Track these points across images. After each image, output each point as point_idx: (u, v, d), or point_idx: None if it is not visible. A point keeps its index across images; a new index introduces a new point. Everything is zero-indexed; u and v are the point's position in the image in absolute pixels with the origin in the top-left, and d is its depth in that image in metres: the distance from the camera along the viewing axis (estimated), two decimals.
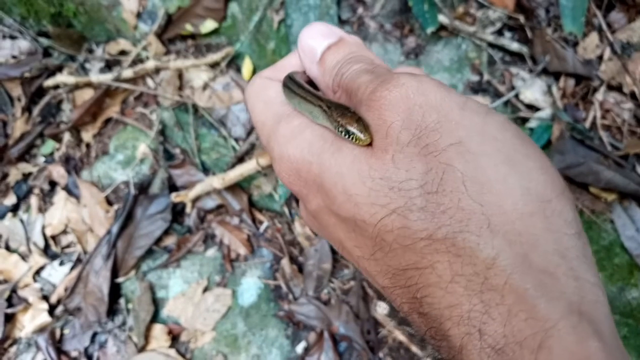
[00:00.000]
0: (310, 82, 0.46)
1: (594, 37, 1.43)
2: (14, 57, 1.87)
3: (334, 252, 1.44)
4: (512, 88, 1.39)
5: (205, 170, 1.56)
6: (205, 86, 1.59)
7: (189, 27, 1.60)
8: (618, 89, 1.41)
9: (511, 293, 0.28)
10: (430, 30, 1.35)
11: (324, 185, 0.37)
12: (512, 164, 0.32)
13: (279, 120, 0.42)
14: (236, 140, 1.55)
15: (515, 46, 1.40)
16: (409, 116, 0.34)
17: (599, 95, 1.39)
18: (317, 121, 0.40)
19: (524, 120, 1.38)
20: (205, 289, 1.46)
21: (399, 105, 0.34)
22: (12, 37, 1.88)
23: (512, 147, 0.33)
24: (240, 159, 1.52)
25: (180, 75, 1.62)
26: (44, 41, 1.81)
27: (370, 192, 0.34)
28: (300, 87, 0.42)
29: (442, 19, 1.38)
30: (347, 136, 0.36)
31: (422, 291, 0.32)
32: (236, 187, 1.49)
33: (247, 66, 1.56)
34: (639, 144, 1.32)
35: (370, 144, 0.36)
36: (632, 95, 1.40)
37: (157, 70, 1.64)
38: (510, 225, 0.30)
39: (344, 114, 0.37)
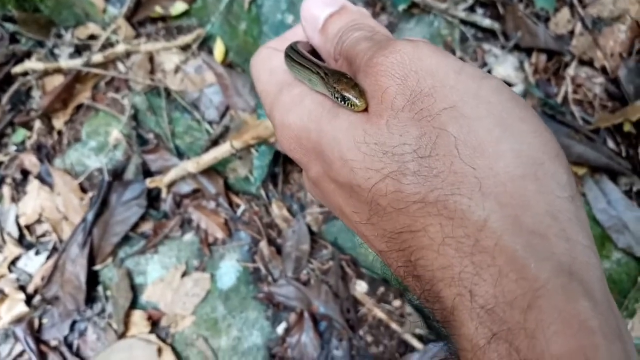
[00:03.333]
0: (314, 52, 0.46)
1: (565, 12, 1.43)
2: None
3: (312, 233, 1.44)
4: (485, 64, 1.39)
5: (180, 154, 1.54)
6: (176, 69, 1.56)
7: (158, 10, 1.57)
8: (589, 63, 1.42)
9: (501, 254, 0.29)
10: (402, 7, 1.34)
11: (322, 152, 0.37)
12: (505, 127, 0.32)
13: (280, 89, 0.42)
14: (210, 123, 1.53)
15: (487, 22, 1.40)
16: (404, 81, 0.34)
17: (571, 70, 1.40)
18: (315, 88, 0.41)
19: None
20: (184, 274, 1.45)
21: (394, 70, 0.34)
22: None
23: (505, 110, 0.33)
24: (215, 142, 1.50)
25: (151, 58, 1.59)
26: (10, 26, 1.76)
27: (365, 157, 0.34)
28: (300, 56, 0.42)
29: None
30: (343, 102, 0.37)
31: (415, 254, 0.32)
32: (211, 171, 1.48)
33: (218, 48, 1.53)
34: (609, 118, 1.34)
35: (366, 110, 0.36)
36: (603, 70, 1.41)
37: (128, 54, 1.61)
38: (502, 187, 0.30)
39: (340, 80, 0.37)
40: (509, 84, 1.38)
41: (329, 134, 0.37)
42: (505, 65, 1.38)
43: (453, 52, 1.40)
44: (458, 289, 0.30)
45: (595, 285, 0.28)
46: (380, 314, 1.38)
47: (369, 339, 1.37)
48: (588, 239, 0.30)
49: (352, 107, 0.36)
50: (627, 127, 1.35)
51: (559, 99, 1.37)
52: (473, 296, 0.29)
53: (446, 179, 0.31)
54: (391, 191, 0.33)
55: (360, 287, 1.41)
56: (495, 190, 0.30)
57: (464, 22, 1.42)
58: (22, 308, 1.48)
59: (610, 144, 1.34)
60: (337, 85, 0.37)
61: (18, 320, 1.48)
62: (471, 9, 1.42)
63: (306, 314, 1.38)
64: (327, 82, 0.39)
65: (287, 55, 0.44)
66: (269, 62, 0.46)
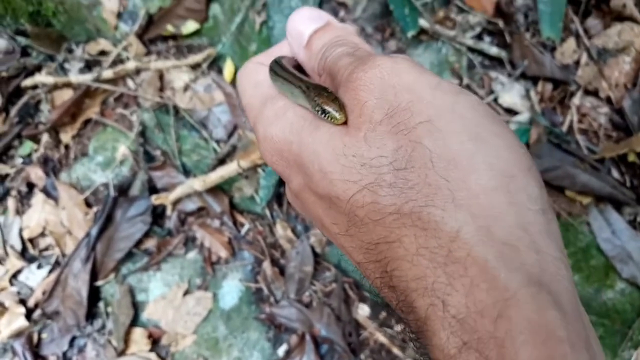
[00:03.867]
0: (299, 67, 0.47)
1: (571, 42, 1.45)
2: None
3: (315, 254, 1.44)
4: (491, 92, 1.41)
5: (186, 172, 1.55)
6: (186, 87, 1.58)
7: (170, 28, 1.59)
8: (594, 93, 1.44)
9: (473, 265, 0.29)
10: (411, 34, 1.37)
11: (303, 164, 0.38)
12: (479, 142, 0.33)
13: (264, 103, 0.43)
14: (217, 142, 1.54)
15: (494, 50, 1.42)
16: (383, 96, 0.35)
17: (576, 100, 1.42)
18: (297, 102, 0.41)
19: None
20: (186, 292, 1.45)
21: (373, 85, 0.35)
22: None
23: (480, 125, 0.33)
24: (222, 161, 1.51)
25: (161, 76, 1.61)
26: (22, 40, 1.78)
27: (343, 169, 0.35)
28: (283, 70, 0.43)
29: (423, 23, 1.40)
30: (323, 115, 0.37)
31: (391, 264, 0.33)
32: (217, 190, 1.49)
33: (228, 68, 1.55)
34: (614, 148, 1.35)
35: (345, 123, 0.36)
36: (608, 100, 1.43)
37: (138, 71, 1.63)
38: (474, 199, 0.31)
39: (321, 94, 0.38)
40: (515, 112, 1.39)
41: (310, 147, 0.37)
42: (512, 93, 1.39)
43: (460, 78, 1.42)
44: (431, 299, 0.30)
45: (564, 296, 0.29)
46: (382, 338, 1.37)
47: None
48: (559, 251, 0.31)
49: (332, 120, 0.37)
50: (632, 158, 1.36)
51: (565, 128, 1.38)
52: (445, 306, 0.29)
53: (421, 191, 0.32)
54: (368, 202, 0.34)
55: (362, 311, 1.41)
56: (468, 202, 0.31)
57: (471, 49, 1.44)
58: (22, 322, 1.47)
59: (615, 173, 1.35)
60: (318, 98, 0.38)
61: (17, 335, 1.47)
62: (479, 37, 1.44)
63: (308, 337, 1.37)
64: (309, 96, 0.39)
65: (272, 69, 0.45)
66: (254, 76, 0.47)
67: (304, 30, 0.44)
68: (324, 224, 0.40)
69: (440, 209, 0.31)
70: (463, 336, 0.28)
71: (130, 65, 1.60)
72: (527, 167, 0.33)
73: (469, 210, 0.31)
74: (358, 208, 0.34)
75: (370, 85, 0.35)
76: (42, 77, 1.71)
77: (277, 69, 0.44)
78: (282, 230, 1.47)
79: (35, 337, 1.47)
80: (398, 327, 1.38)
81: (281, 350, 1.39)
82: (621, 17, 1.47)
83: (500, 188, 0.31)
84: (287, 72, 0.43)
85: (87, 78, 1.65)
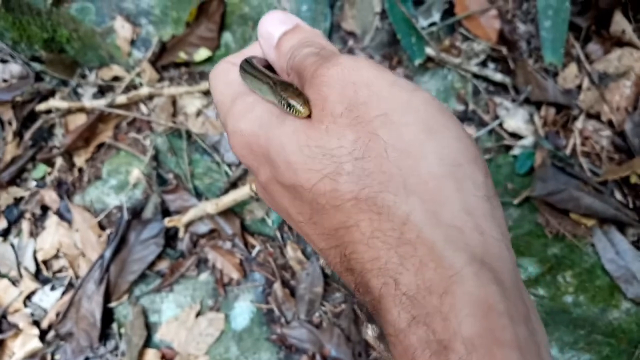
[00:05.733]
0: (269, 66, 0.49)
1: (573, 67, 1.50)
2: (4, 80, 1.88)
3: (325, 275, 1.47)
4: (496, 117, 1.45)
5: (198, 195, 1.58)
6: (198, 113, 1.62)
7: (182, 55, 1.64)
8: (596, 117, 1.48)
9: (422, 245, 0.32)
10: (417, 62, 1.41)
11: (270, 156, 0.40)
12: (430, 133, 0.35)
13: (234, 99, 0.45)
14: (229, 165, 1.58)
15: (498, 77, 1.47)
16: (343, 91, 0.37)
17: (579, 124, 1.45)
18: (265, 97, 0.44)
19: (508, 148, 1.44)
20: (198, 313, 1.47)
21: (335, 81, 0.38)
22: (3, 61, 1.89)
23: (432, 118, 0.36)
24: (233, 184, 1.55)
25: (173, 101, 1.65)
26: (36, 66, 1.83)
27: (306, 159, 0.37)
28: (253, 68, 0.46)
29: (429, 51, 1.44)
30: (289, 109, 0.40)
31: (349, 248, 0.36)
32: (229, 212, 1.52)
33: None
34: (616, 171, 1.38)
35: (309, 117, 0.39)
36: (610, 123, 1.47)
37: (151, 97, 1.67)
38: (424, 185, 0.33)
39: (286, 89, 0.41)
40: (520, 137, 1.43)
41: (276, 139, 0.40)
42: (516, 118, 1.44)
43: (466, 104, 1.46)
44: (384, 279, 0.33)
45: (505, 274, 0.31)
46: (391, 359, 1.39)
47: (382, 351, 1.38)
48: (501, 234, 0.34)
49: (297, 114, 0.39)
50: (634, 179, 1.39)
51: (568, 151, 1.42)
52: (397, 284, 0.32)
53: (376, 178, 0.34)
54: (329, 190, 0.36)
55: (372, 332, 1.43)
56: (418, 188, 0.33)
57: (476, 76, 1.48)
58: (35, 343, 1.50)
59: (618, 195, 1.38)
60: (284, 93, 0.40)
61: (31, 356, 1.49)
62: (483, 64, 1.49)
63: (318, 357, 1.39)
64: (275, 91, 0.42)
65: (242, 68, 0.47)
66: (225, 75, 0.49)
67: (274, 32, 0.47)
68: (290, 214, 0.42)
69: (393, 194, 0.34)
70: (412, 311, 0.31)
71: (144, 91, 1.65)
72: (474, 157, 0.36)
73: (419, 195, 0.33)
74: (320, 195, 0.37)
75: (332, 82, 0.38)
76: (56, 102, 1.75)
77: (247, 67, 0.46)
78: (292, 252, 1.49)
79: (48, 359, 1.49)
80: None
81: None
82: (621, 42, 1.51)
83: (448, 176, 0.34)
84: (256, 70, 0.45)
85: (100, 103, 1.69)
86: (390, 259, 0.33)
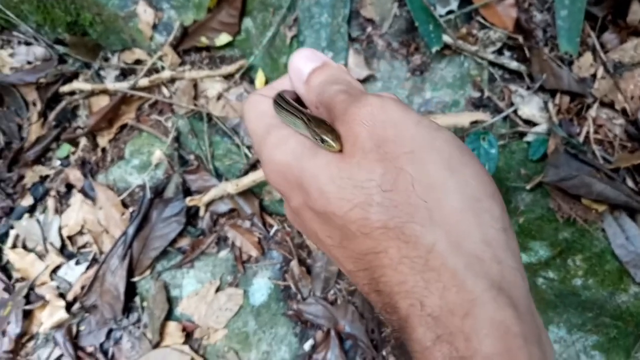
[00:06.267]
0: (299, 99, 0.53)
1: (588, 56, 1.52)
2: (29, 62, 1.93)
3: None
4: (511, 104, 1.48)
5: (219, 175, 1.63)
6: (219, 96, 1.66)
7: (204, 40, 1.68)
8: (610, 105, 1.50)
9: (446, 272, 0.35)
10: (435, 49, 1.44)
11: (303, 185, 0.43)
12: (452, 170, 0.39)
13: (268, 130, 0.48)
14: (248, 148, 1.63)
15: (514, 65, 1.49)
16: (373, 129, 0.41)
17: (592, 112, 1.48)
18: (299, 131, 0.47)
19: (522, 135, 1.47)
20: (218, 289, 1.53)
21: (365, 120, 0.41)
22: (27, 44, 1.94)
23: (453, 157, 0.40)
24: (253, 166, 1.59)
25: (195, 85, 1.70)
26: (60, 48, 1.87)
27: (338, 189, 0.40)
28: (287, 103, 0.49)
29: (446, 38, 1.47)
30: (322, 143, 0.43)
31: (377, 271, 0.39)
32: (248, 192, 1.57)
33: (259, 78, 1.63)
34: (629, 158, 1.41)
35: (341, 151, 0.42)
36: (624, 112, 1.49)
37: (173, 80, 1.71)
38: (447, 218, 0.37)
39: (320, 125, 0.44)
40: (534, 124, 1.46)
41: (310, 170, 0.43)
42: (531, 106, 1.46)
43: (482, 91, 1.49)
44: (411, 300, 0.36)
45: (520, 299, 0.35)
46: None
47: (392, 359, 1.43)
48: (516, 263, 0.38)
49: (330, 148, 0.42)
50: None
51: (581, 138, 1.45)
52: (423, 306, 0.35)
53: (404, 210, 0.38)
54: (359, 218, 0.39)
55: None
56: (442, 220, 0.37)
57: (492, 63, 1.51)
58: (62, 315, 1.56)
59: (629, 182, 1.41)
60: (318, 129, 0.44)
61: (58, 326, 1.56)
62: (499, 52, 1.51)
63: (332, 333, 1.45)
64: (309, 127, 0.45)
65: (276, 102, 0.51)
66: (258, 106, 0.52)
67: (304, 69, 0.51)
68: (319, 237, 0.45)
69: (420, 225, 0.37)
70: (437, 330, 0.34)
71: (166, 74, 1.69)
72: (491, 193, 0.40)
73: (443, 227, 0.37)
74: (351, 223, 0.40)
75: (363, 120, 0.41)
76: (79, 84, 1.80)
77: (281, 102, 0.50)
78: None
79: (74, 329, 1.56)
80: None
81: (307, 345, 1.46)
82: (637, 32, 1.53)
83: (469, 210, 0.38)
84: (290, 105, 0.49)
85: (123, 85, 1.74)
86: (417, 283, 0.36)
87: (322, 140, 0.43)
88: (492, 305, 0.34)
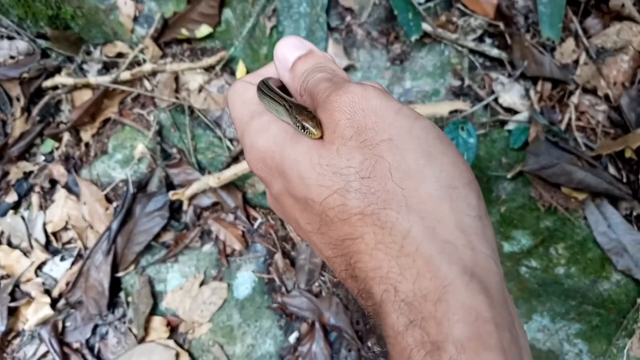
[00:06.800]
0: (283, 87, 0.53)
1: (570, 42, 1.50)
2: (12, 57, 1.91)
3: None
4: (492, 92, 1.46)
5: (201, 169, 1.62)
6: (200, 88, 1.65)
7: (184, 32, 1.66)
8: (593, 92, 1.49)
9: (420, 258, 0.35)
10: (414, 37, 1.43)
11: (283, 171, 0.44)
12: (429, 158, 0.39)
13: (252, 117, 0.49)
14: (230, 140, 1.62)
15: (495, 52, 1.48)
16: (353, 117, 0.41)
17: (575, 98, 1.47)
18: (281, 118, 0.47)
19: (503, 123, 1.46)
20: (202, 283, 1.53)
21: (346, 108, 0.42)
22: (10, 38, 1.92)
23: (431, 145, 0.40)
24: (235, 159, 1.58)
25: (176, 77, 1.68)
26: (42, 42, 1.86)
27: (318, 176, 0.41)
28: (270, 90, 0.50)
29: (426, 27, 1.46)
30: (303, 130, 0.44)
31: (354, 257, 0.39)
32: (231, 186, 1.56)
33: (240, 70, 1.62)
34: (611, 145, 1.40)
35: (321, 138, 0.43)
36: (606, 98, 1.48)
37: (154, 73, 1.70)
38: (423, 205, 0.37)
39: (301, 112, 0.44)
40: (515, 112, 1.45)
41: (290, 156, 0.43)
42: (512, 93, 1.45)
43: (462, 80, 1.48)
44: (385, 286, 0.36)
45: (492, 286, 0.35)
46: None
47: (377, 349, 1.43)
48: (491, 250, 0.38)
49: (310, 135, 0.43)
50: (629, 154, 1.41)
51: (563, 126, 1.44)
52: (397, 292, 0.36)
53: (380, 196, 0.38)
54: (338, 204, 0.40)
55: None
56: (418, 206, 0.37)
57: (473, 51, 1.49)
58: (47, 311, 1.56)
59: (612, 169, 1.41)
60: (299, 116, 0.44)
61: (43, 323, 1.55)
62: (480, 39, 1.50)
63: (317, 325, 1.45)
64: (291, 113, 0.46)
65: (259, 89, 0.51)
66: (243, 94, 0.53)
67: (289, 56, 0.51)
68: (299, 223, 0.46)
69: (396, 211, 0.37)
70: (410, 316, 0.35)
71: (147, 67, 1.68)
72: (468, 181, 0.40)
73: (419, 213, 0.37)
74: (329, 209, 0.41)
75: (343, 108, 0.42)
76: (62, 79, 1.79)
77: (265, 88, 0.51)
78: None
79: (59, 325, 1.56)
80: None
81: (292, 338, 1.46)
82: (620, 16, 1.51)
83: (444, 197, 0.38)
84: (273, 92, 0.49)
85: (105, 79, 1.72)
86: (392, 269, 0.36)
87: (303, 128, 0.44)
88: (464, 291, 0.34)
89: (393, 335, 0.35)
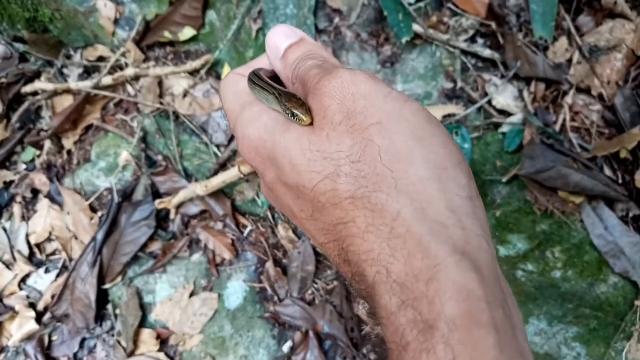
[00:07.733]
0: (276, 77, 0.53)
1: (563, 41, 1.48)
2: None
3: (317, 254, 1.48)
4: (485, 94, 1.43)
5: (188, 176, 1.58)
6: (185, 93, 1.60)
7: (167, 34, 1.61)
8: (587, 91, 1.46)
9: (411, 238, 0.36)
10: (405, 39, 1.39)
11: (275, 159, 0.44)
12: (419, 140, 0.39)
13: (243, 107, 0.50)
14: (217, 146, 1.57)
15: (487, 52, 1.45)
16: (342, 102, 0.41)
17: (569, 98, 1.44)
18: (271, 106, 0.48)
19: (497, 126, 1.43)
20: (192, 293, 1.49)
21: (335, 93, 0.42)
22: None
23: (420, 127, 0.40)
24: (222, 165, 1.54)
25: (160, 82, 1.63)
26: (20, 46, 1.79)
27: (309, 162, 0.41)
28: (260, 79, 0.50)
29: (417, 27, 1.42)
30: (293, 117, 0.44)
31: (346, 241, 0.40)
32: (219, 193, 1.52)
33: (226, 73, 1.57)
34: (606, 146, 1.38)
35: (311, 124, 0.43)
36: (600, 97, 1.46)
37: (137, 77, 1.65)
38: (412, 186, 0.38)
39: (291, 99, 0.45)
40: (509, 114, 1.42)
41: (281, 144, 0.44)
42: (505, 95, 1.42)
43: (454, 81, 1.45)
44: (377, 268, 0.37)
45: (484, 264, 0.35)
46: (380, 333, 1.41)
47: (372, 357, 1.41)
48: (481, 230, 0.38)
49: (300, 122, 0.43)
50: (624, 154, 1.39)
51: (557, 127, 1.41)
52: (389, 273, 0.36)
53: (370, 179, 0.39)
54: (329, 189, 0.40)
55: (363, 307, 1.45)
56: (407, 188, 0.38)
57: (465, 52, 1.46)
58: (32, 325, 1.52)
59: (607, 171, 1.39)
60: (288, 103, 0.44)
61: (28, 338, 1.51)
62: (472, 40, 1.46)
63: (311, 333, 1.42)
64: (281, 101, 0.46)
65: (250, 79, 0.51)
66: (235, 85, 0.53)
67: (280, 44, 0.51)
68: (293, 211, 0.46)
69: (385, 193, 0.38)
70: (402, 296, 0.35)
71: (129, 71, 1.62)
72: (458, 162, 0.40)
73: (408, 195, 0.37)
74: (320, 194, 0.41)
75: (332, 93, 0.42)
76: (41, 84, 1.73)
77: (255, 78, 0.51)
78: (283, 231, 1.50)
79: (46, 340, 1.51)
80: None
81: (286, 347, 1.43)
82: (612, 14, 1.49)
83: (434, 178, 0.38)
84: (263, 81, 0.50)
85: (86, 84, 1.67)
86: (383, 251, 0.37)
87: (293, 114, 0.44)
88: (454, 270, 0.34)
89: (386, 316, 0.36)
